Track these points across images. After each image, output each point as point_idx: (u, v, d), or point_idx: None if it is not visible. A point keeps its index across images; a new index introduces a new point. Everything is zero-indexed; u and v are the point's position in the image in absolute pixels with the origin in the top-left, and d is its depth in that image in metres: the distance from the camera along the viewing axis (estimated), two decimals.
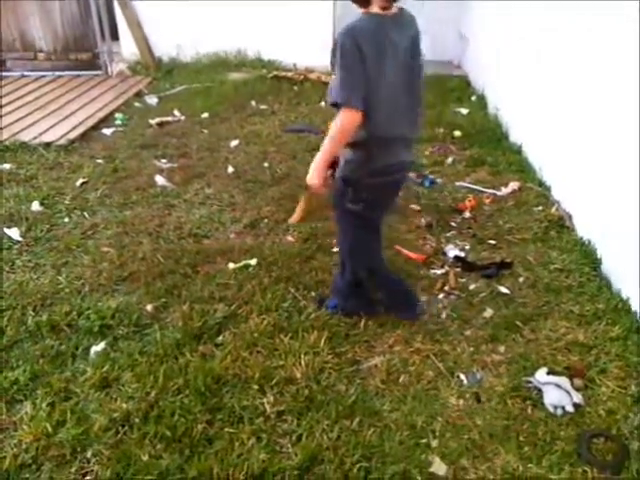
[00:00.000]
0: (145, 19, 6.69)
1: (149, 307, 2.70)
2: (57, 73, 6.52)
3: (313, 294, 2.80)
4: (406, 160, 2.33)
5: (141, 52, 6.77)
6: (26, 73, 6.48)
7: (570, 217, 3.36)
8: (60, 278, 2.92)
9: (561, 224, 3.36)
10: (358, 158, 2.20)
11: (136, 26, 6.68)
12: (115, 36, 6.84)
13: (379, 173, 2.21)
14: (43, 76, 6.42)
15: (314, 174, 2.19)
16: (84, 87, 6.14)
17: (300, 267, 3.02)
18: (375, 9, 2.04)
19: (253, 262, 3.04)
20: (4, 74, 6.38)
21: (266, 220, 3.52)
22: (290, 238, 3.31)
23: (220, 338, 2.52)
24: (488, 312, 2.69)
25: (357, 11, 2.09)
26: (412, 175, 3.89)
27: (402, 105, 2.16)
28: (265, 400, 2.20)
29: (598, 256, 2.99)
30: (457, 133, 4.73)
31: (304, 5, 6.42)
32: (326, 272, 2.97)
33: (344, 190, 2.28)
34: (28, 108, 5.36)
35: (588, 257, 3.02)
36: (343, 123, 2.05)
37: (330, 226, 3.38)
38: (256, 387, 2.25)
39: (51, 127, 4.87)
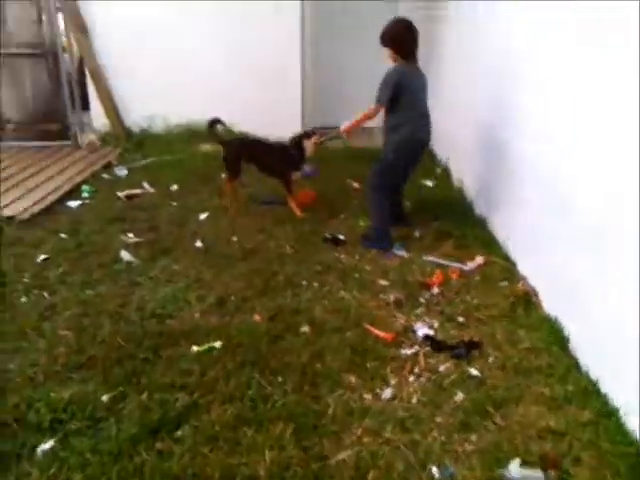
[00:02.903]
0: (116, 90, 6.80)
1: (104, 397, 2.54)
2: (25, 144, 6.50)
3: (280, 379, 2.70)
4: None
5: (112, 123, 6.83)
6: None
7: (536, 293, 3.38)
8: (12, 366, 2.76)
9: (527, 299, 3.37)
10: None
11: (107, 97, 6.77)
12: (85, 106, 6.91)
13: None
14: (11, 147, 6.39)
15: (347, 126, 4.08)
16: (52, 158, 6.12)
17: (267, 348, 2.93)
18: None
19: (218, 345, 2.94)
20: None
21: (233, 297, 3.44)
22: (257, 317, 3.23)
23: (179, 432, 2.37)
24: (459, 396, 2.63)
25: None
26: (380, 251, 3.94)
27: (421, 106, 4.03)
28: None
29: (565, 334, 2.98)
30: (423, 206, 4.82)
31: (274, 79, 6.69)
32: (294, 354, 2.88)
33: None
34: None
35: (556, 335, 3.01)
36: (371, 109, 3.90)
37: (296, 303, 3.35)
38: None
39: (14, 200, 4.79)
